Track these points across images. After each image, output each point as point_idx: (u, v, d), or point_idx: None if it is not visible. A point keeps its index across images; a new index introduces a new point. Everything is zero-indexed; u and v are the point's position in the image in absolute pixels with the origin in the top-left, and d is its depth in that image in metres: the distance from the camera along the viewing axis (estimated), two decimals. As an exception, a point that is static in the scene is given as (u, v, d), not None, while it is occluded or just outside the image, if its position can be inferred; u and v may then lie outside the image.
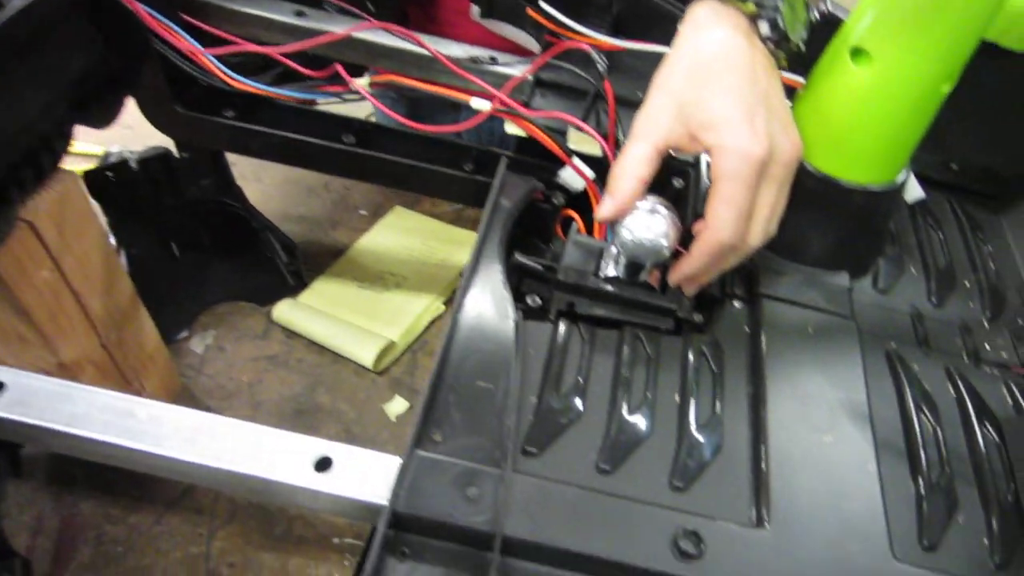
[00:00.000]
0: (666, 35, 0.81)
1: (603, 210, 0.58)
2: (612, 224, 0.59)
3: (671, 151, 0.60)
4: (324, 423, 1.04)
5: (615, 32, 0.87)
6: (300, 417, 1.04)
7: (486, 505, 0.47)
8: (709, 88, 0.56)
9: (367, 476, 0.49)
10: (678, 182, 0.76)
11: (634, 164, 0.57)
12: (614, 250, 0.63)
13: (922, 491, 0.55)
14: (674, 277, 0.60)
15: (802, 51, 0.61)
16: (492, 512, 0.47)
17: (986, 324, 0.71)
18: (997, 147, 0.84)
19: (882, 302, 0.70)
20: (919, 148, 0.68)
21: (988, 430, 0.61)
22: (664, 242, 0.57)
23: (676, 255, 0.63)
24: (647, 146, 0.57)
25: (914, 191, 0.75)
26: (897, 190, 0.66)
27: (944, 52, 0.57)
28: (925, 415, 0.61)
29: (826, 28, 0.63)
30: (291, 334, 1.13)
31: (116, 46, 0.73)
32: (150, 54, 0.74)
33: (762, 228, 0.58)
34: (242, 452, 0.50)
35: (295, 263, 1.17)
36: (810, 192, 0.64)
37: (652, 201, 0.58)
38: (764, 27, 0.58)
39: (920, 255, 0.75)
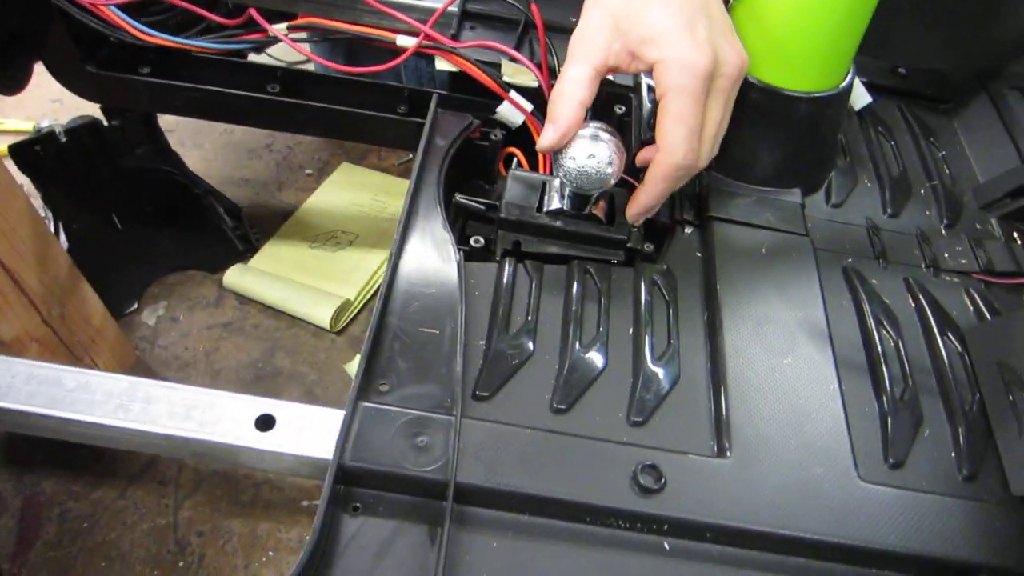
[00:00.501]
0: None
1: (545, 139, 0.55)
2: (555, 155, 0.56)
3: (610, 74, 0.57)
4: (285, 387, 1.01)
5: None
6: (260, 383, 1.02)
7: (437, 453, 0.46)
8: (645, 0, 0.53)
9: (311, 432, 0.47)
10: (619, 108, 0.73)
11: (573, 87, 0.54)
12: (557, 182, 0.60)
13: (886, 408, 0.54)
14: (633, 211, 0.58)
15: None
16: (444, 460, 0.45)
17: (943, 232, 0.70)
18: (946, 50, 0.82)
19: (836, 216, 0.68)
20: (866, 55, 0.65)
21: (950, 339, 0.60)
22: (610, 170, 0.54)
23: (622, 184, 0.60)
24: (586, 67, 0.54)
25: (861, 97, 0.73)
26: (842, 95, 0.63)
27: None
28: (886, 330, 0.60)
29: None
30: (245, 300, 1.10)
31: (13, 3, 0.68)
32: (51, 10, 0.69)
33: (711, 145, 0.55)
34: (180, 415, 0.48)
35: (241, 227, 1.13)
36: (755, 105, 0.62)
37: (594, 127, 0.55)
38: None
39: (873, 165, 0.74)
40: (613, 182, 0.56)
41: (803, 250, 0.62)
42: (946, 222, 0.70)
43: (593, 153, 0.54)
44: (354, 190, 1.23)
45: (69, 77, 0.77)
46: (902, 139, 0.78)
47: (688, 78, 0.51)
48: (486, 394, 0.50)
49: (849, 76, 0.64)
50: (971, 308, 0.63)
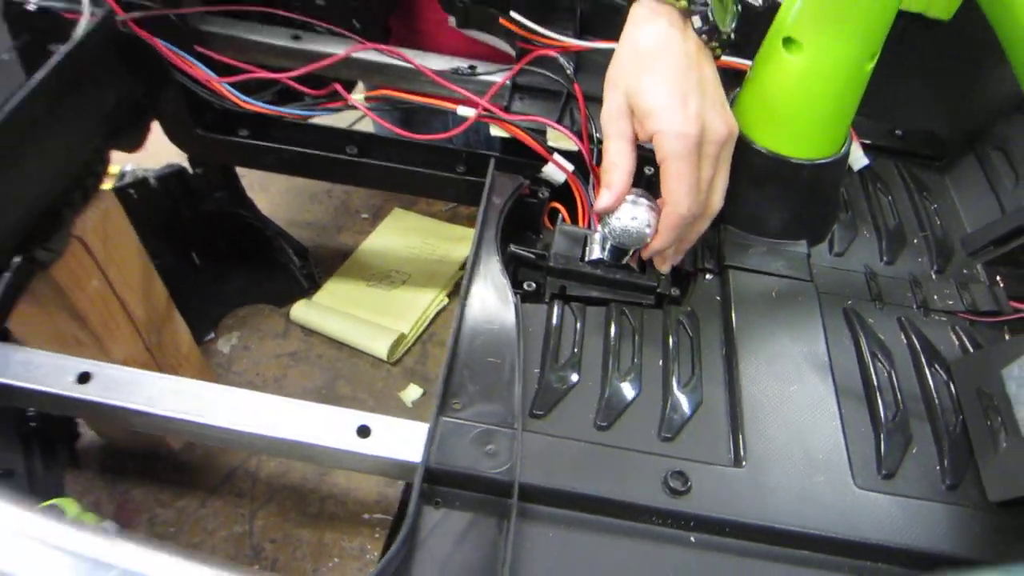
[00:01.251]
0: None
1: (602, 202, 0.66)
2: (604, 215, 0.67)
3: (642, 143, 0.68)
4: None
5: (582, 33, 0.95)
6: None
7: (503, 459, 0.56)
8: (648, 78, 0.64)
9: (401, 440, 0.58)
10: (648, 170, 0.84)
11: (620, 159, 0.66)
12: (598, 236, 0.71)
13: (879, 428, 0.64)
14: (647, 254, 0.69)
15: (733, 40, 0.69)
16: (509, 464, 0.56)
17: (934, 276, 0.79)
18: (936, 112, 0.93)
19: (838, 264, 0.78)
20: (866, 117, 0.76)
21: (938, 370, 0.70)
22: (648, 230, 0.66)
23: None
24: (623, 142, 0.66)
25: (859, 160, 0.83)
26: (841, 160, 0.74)
27: (862, 34, 0.65)
28: (880, 362, 0.70)
29: (771, 15, 0.72)
30: (309, 332, 1.22)
31: (141, 78, 0.82)
32: (171, 83, 0.82)
33: (707, 197, 0.67)
34: (295, 424, 0.59)
35: (307, 266, 1.25)
36: (763, 170, 0.73)
37: (635, 193, 0.66)
38: (696, 21, 0.66)
39: (871, 218, 0.84)
40: (650, 240, 0.67)
41: (808, 294, 0.73)
42: (936, 267, 0.80)
43: (636, 215, 0.65)
44: (406, 234, 1.36)
45: (181, 139, 0.90)
46: (898, 194, 0.88)
47: (678, 144, 0.62)
48: (541, 412, 0.61)
49: (847, 143, 0.75)
50: (957, 343, 0.73)
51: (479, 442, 0.57)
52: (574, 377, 0.64)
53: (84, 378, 0.60)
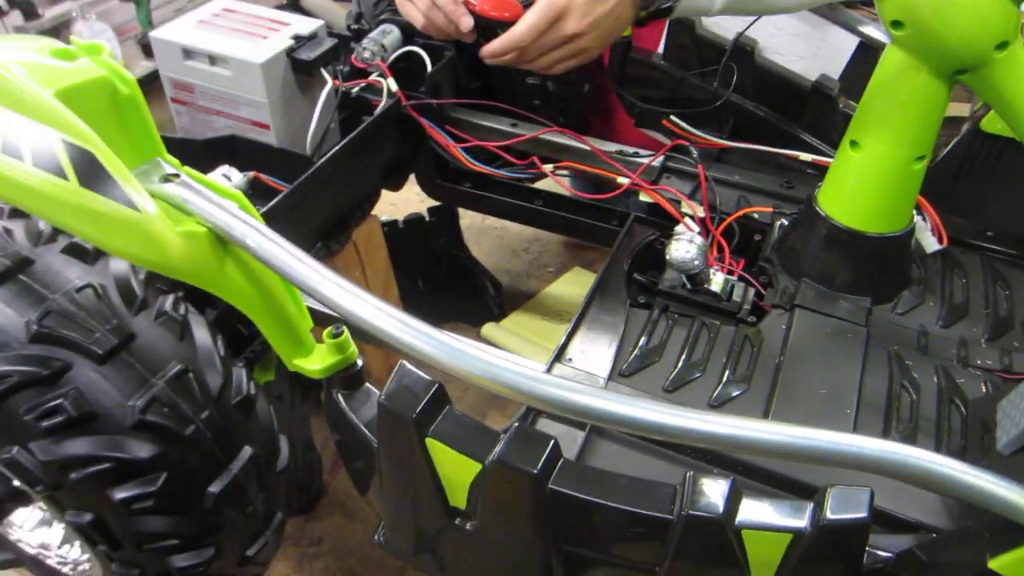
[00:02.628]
0: (765, 136, 1.18)
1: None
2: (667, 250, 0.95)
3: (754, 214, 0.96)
4: (514, 408, 1.43)
5: (733, 136, 1.24)
6: (501, 408, 1.46)
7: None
8: None
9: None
10: (757, 237, 1.10)
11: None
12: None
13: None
14: (486, 50, 1.01)
15: (661, 10, 0.99)
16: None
17: (983, 343, 0.96)
18: (1025, 218, 1.09)
19: (896, 321, 0.98)
20: (959, 216, 0.95)
21: (958, 405, 0.87)
22: (696, 262, 0.93)
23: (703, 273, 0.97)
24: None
25: (931, 244, 1.02)
26: (901, 238, 0.95)
27: (909, 141, 0.88)
28: (907, 391, 0.89)
29: (819, 98, 0.95)
30: (493, 347, 1.56)
31: (408, 142, 1.23)
32: (426, 147, 1.23)
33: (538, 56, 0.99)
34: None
35: (499, 298, 1.61)
36: (833, 237, 0.96)
37: (690, 235, 0.93)
38: None
39: (941, 293, 1.02)
40: (697, 271, 0.93)
41: (858, 334, 0.94)
42: (987, 336, 0.97)
43: (688, 250, 0.92)
44: (581, 286, 1.68)
45: (427, 186, 1.31)
46: (975, 280, 1.04)
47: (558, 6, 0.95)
48: (627, 374, 0.89)
49: (909, 225, 0.96)
50: (983, 391, 0.89)
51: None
52: (656, 358, 0.91)
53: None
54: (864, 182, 0.92)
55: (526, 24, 0.97)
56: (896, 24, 0.80)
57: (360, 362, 0.83)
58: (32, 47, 0.73)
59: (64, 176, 0.68)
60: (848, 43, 1.20)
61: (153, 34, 1.08)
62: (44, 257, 0.84)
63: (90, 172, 0.68)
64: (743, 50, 1.20)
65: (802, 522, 0.64)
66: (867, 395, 0.87)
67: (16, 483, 0.93)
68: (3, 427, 0.81)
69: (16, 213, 0.87)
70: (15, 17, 2.11)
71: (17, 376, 0.78)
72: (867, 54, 1.14)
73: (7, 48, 0.73)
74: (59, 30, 2.23)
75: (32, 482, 0.83)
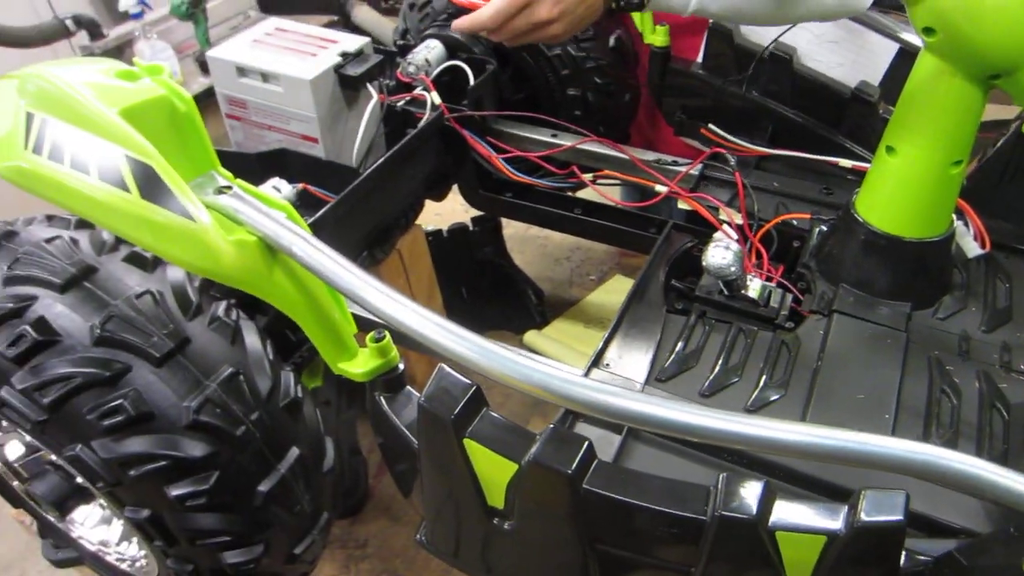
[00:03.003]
0: (804, 143, 1.19)
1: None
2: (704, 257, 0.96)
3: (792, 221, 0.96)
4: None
5: (771, 143, 1.25)
6: (538, 408, 1.48)
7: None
8: None
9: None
10: (796, 243, 1.10)
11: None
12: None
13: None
14: (461, 21, 1.02)
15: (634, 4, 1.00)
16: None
17: (1028, 349, 0.95)
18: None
19: (937, 326, 0.97)
20: (1003, 220, 0.95)
21: (999, 410, 0.86)
22: (732, 268, 0.93)
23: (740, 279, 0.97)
24: None
25: (972, 249, 1.01)
26: (940, 243, 0.95)
27: (943, 146, 0.88)
28: (948, 396, 0.88)
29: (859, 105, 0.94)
30: (537, 354, 1.58)
31: (450, 154, 1.26)
32: (468, 158, 1.26)
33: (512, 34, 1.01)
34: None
35: (542, 306, 1.63)
36: (874, 244, 0.96)
37: (727, 241, 0.94)
38: None
39: (983, 298, 1.01)
40: (733, 277, 0.94)
41: (898, 339, 0.93)
42: (1033, 343, 0.96)
43: (725, 256, 0.93)
44: (621, 294, 1.68)
45: (469, 196, 1.34)
46: (1018, 284, 1.03)
47: None
48: (663, 380, 0.90)
49: (948, 230, 0.95)
50: (1027, 397, 0.88)
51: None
52: (692, 363, 0.92)
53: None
54: (901, 187, 0.92)
55: (493, 7, 0.99)
56: (928, 31, 0.81)
57: (401, 366, 0.86)
58: (99, 69, 0.78)
59: (127, 189, 0.72)
60: (888, 49, 1.19)
61: (209, 54, 1.14)
62: (107, 265, 0.89)
63: (150, 185, 0.72)
64: (781, 57, 1.21)
65: (836, 524, 0.64)
66: (906, 400, 0.87)
67: (79, 480, 0.98)
68: (68, 426, 0.85)
69: (82, 224, 0.92)
70: (82, 37, 2.21)
71: (81, 377, 0.82)
72: (907, 60, 1.13)
73: (77, 71, 0.78)
74: (122, 49, 2.33)
75: (94, 479, 0.88)
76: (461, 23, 1.04)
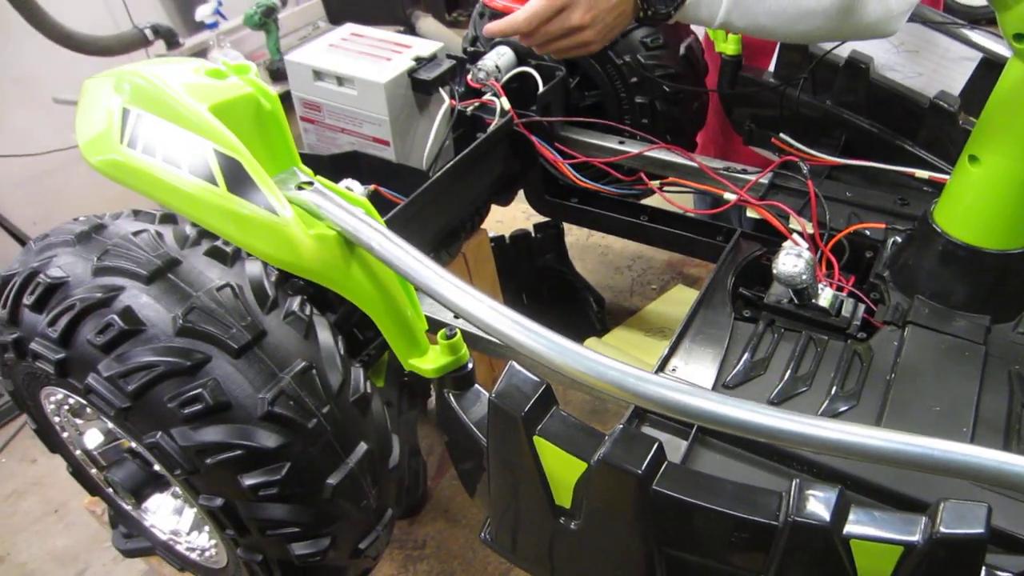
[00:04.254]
0: (879, 153, 1.17)
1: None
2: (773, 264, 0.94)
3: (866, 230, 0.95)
4: (612, 421, 1.44)
5: (845, 153, 1.23)
6: (596, 415, 1.47)
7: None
8: None
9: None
10: (869, 254, 1.08)
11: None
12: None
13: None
14: (492, 27, 1.03)
15: (662, 14, 0.99)
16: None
17: (1116, 366, 0.92)
18: None
19: (1017, 339, 0.94)
20: None
21: (1089, 428, 0.84)
22: (803, 276, 0.91)
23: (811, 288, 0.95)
24: None
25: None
26: (1023, 254, 0.92)
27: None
28: (1032, 413, 0.85)
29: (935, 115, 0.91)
30: (594, 363, 1.58)
31: (518, 159, 1.27)
32: (535, 164, 1.27)
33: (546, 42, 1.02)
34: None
35: (602, 314, 1.63)
36: (953, 255, 0.93)
37: (798, 249, 0.93)
38: None
39: (1069, 314, 0.98)
40: (804, 285, 0.92)
41: (976, 352, 0.91)
42: (1124, 360, 0.92)
43: (796, 264, 0.91)
44: (682, 304, 1.67)
45: (535, 201, 1.35)
46: (1106, 301, 1.00)
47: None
48: (731, 386, 0.89)
49: (1031, 243, 0.93)
50: (1120, 416, 0.85)
51: (683, 389, 0.87)
52: (761, 371, 0.91)
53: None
54: (984, 197, 0.90)
55: (528, 11, 1.00)
56: (1019, 37, 0.79)
57: (471, 364, 0.87)
58: (189, 68, 0.81)
59: (215, 182, 0.75)
60: (969, 59, 1.16)
61: (288, 57, 1.17)
62: (189, 259, 0.92)
63: (237, 179, 0.75)
64: (857, 67, 1.19)
65: (914, 535, 0.63)
66: (985, 414, 0.85)
67: (156, 468, 1.01)
68: (149, 414, 0.88)
69: (166, 219, 0.96)
70: (159, 46, 2.30)
71: (163, 366, 0.85)
72: (989, 70, 1.11)
73: (168, 69, 0.81)
74: (197, 57, 2.42)
75: (172, 466, 0.91)
76: (495, 27, 1.05)
